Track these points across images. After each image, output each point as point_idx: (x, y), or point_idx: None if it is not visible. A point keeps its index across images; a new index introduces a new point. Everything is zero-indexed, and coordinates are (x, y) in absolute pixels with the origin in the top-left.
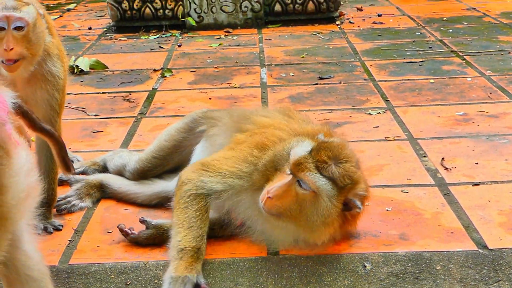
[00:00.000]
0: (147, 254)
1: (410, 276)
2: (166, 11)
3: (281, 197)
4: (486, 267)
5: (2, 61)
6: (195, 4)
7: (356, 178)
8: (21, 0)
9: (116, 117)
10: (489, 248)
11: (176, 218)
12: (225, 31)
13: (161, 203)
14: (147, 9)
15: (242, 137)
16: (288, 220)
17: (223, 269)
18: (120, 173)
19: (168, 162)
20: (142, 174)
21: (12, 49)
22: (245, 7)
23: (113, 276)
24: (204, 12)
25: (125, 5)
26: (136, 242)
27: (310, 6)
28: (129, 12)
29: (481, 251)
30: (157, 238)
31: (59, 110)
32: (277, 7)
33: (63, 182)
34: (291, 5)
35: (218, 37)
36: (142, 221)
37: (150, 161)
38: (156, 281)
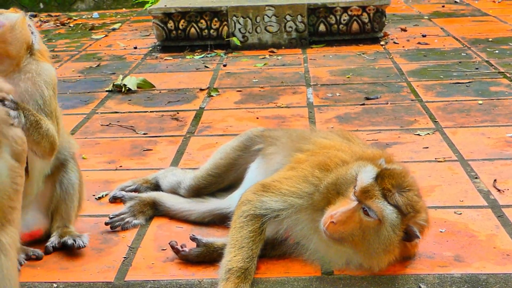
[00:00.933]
0: (201, 271)
1: None
2: (211, 31)
3: (345, 223)
4: None
5: None
6: (240, 24)
7: (418, 207)
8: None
9: (165, 136)
10: None
11: (230, 238)
12: (269, 51)
13: (214, 220)
14: (192, 29)
15: (303, 157)
16: (349, 245)
17: None
18: (174, 190)
19: (223, 180)
20: (197, 191)
21: None
22: (290, 27)
23: None
24: (249, 32)
25: (170, 25)
26: (186, 259)
27: (355, 26)
28: (174, 32)
29: None
30: (207, 256)
31: (49, 110)
32: (322, 27)
33: (116, 200)
34: (335, 25)
35: (263, 57)
36: (193, 239)
37: (206, 178)
38: None
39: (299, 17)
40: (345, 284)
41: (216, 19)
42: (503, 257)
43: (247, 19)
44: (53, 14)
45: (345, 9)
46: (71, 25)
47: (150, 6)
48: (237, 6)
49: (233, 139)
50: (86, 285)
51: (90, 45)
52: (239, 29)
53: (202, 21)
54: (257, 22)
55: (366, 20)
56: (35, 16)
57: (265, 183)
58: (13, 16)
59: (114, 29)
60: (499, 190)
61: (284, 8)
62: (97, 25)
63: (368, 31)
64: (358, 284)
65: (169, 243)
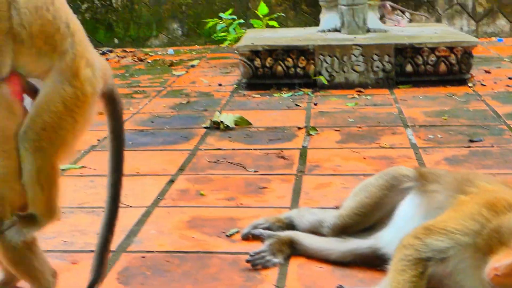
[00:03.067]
0: None
1: None
2: (298, 69)
3: (510, 275)
4: None
5: None
6: (327, 63)
7: None
8: None
9: (276, 174)
10: None
11: (391, 280)
12: (356, 91)
13: (355, 260)
14: (279, 67)
15: (467, 199)
16: None
17: None
18: (314, 229)
19: (369, 219)
20: (342, 230)
21: None
22: (377, 67)
23: None
24: (335, 71)
25: (257, 62)
26: None
27: (442, 67)
28: (261, 69)
29: None
30: None
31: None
32: (408, 68)
33: (248, 237)
34: (422, 66)
35: (352, 96)
36: None
37: (352, 217)
38: None
39: (386, 57)
40: None
41: (302, 57)
42: None
43: (334, 58)
44: (127, 49)
45: (432, 50)
46: (149, 61)
47: (228, 43)
48: (324, 45)
49: (374, 177)
50: None
51: (173, 81)
52: (326, 68)
53: (289, 59)
54: (344, 62)
55: (454, 61)
56: (111, 51)
57: (429, 225)
58: None
59: (193, 66)
60: None
61: (372, 47)
62: (175, 61)
63: (455, 72)
64: None
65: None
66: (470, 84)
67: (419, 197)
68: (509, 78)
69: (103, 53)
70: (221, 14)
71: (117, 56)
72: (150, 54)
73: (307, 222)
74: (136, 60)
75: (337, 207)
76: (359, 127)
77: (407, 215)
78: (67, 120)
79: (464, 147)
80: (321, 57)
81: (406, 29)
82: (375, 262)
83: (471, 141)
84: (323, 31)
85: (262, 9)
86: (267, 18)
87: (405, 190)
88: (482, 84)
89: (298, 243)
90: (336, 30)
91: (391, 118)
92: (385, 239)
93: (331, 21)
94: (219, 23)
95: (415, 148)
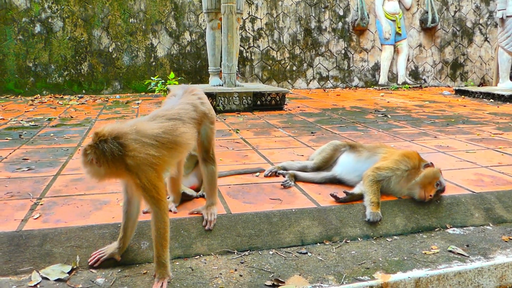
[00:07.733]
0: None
1: None
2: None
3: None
4: None
5: None
6: (222, 100)
7: None
8: None
9: (243, 149)
10: None
11: (366, 190)
12: (237, 113)
13: (326, 182)
14: None
15: (387, 156)
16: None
17: (392, 205)
18: (301, 170)
19: (328, 164)
20: (317, 169)
21: None
22: (245, 101)
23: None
24: (226, 104)
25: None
26: (341, 201)
27: (273, 102)
28: None
29: None
30: (352, 200)
31: None
32: (258, 102)
33: (272, 174)
34: (264, 101)
35: (237, 116)
36: (344, 192)
37: (321, 163)
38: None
39: (248, 97)
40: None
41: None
42: None
43: (225, 98)
44: (92, 96)
45: (269, 94)
46: (111, 101)
47: (157, 91)
48: (220, 91)
49: (326, 145)
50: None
51: (137, 110)
52: (221, 102)
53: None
54: (229, 99)
55: (278, 99)
56: (82, 97)
57: (377, 166)
58: None
59: (138, 103)
60: None
61: (242, 93)
62: (126, 101)
63: (279, 104)
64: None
65: (330, 194)
66: (285, 110)
67: (350, 153)
68: (298, 107)
69: (80, 97)
70: (152, 77)
71: (90, 98)
72: (109, 97)
73: (295, 167)
74: (105, 100)
75: (292, 160)
76: (257, 129)
77: (344, 161)
78: None
79: (311, 135)
80: (219, 97)
81: (252, 85)
82: (334, 182)
83: (312, 132)
84: (213, 86)
85: (172, 75)
86: (174, 79)
87: (342, 150)
88: (289, 109)
89: (297, 176)
90: (220, 85)
91: (266, 124)
92: (337, 172)
93: (216, 81)
94: (152, 81)
95: (291, 137)
